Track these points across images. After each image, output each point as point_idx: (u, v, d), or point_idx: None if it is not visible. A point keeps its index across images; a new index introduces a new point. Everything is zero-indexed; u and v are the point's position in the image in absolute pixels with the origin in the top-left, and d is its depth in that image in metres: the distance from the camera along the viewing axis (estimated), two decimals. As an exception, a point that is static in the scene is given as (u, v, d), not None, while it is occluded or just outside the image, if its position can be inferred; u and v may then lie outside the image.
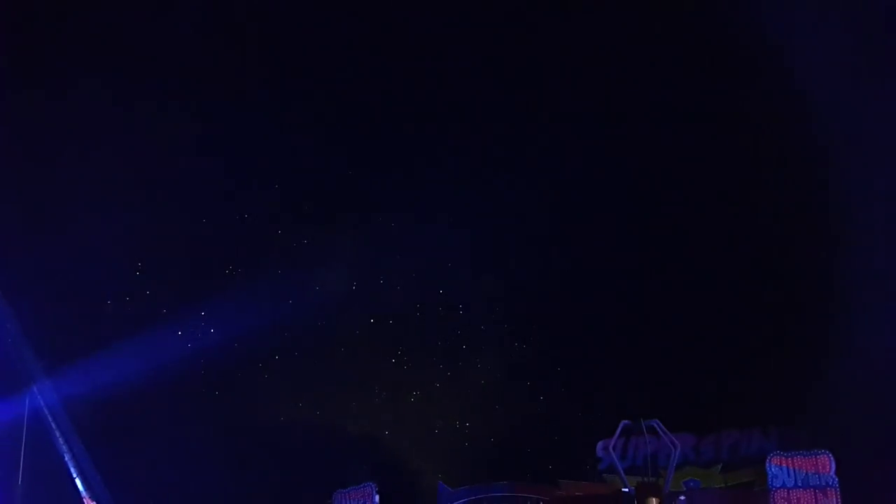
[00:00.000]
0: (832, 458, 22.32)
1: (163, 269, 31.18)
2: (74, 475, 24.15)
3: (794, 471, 22.46)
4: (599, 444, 26.86)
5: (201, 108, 30.69)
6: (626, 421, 25.80)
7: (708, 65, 29.29)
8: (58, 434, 24.26)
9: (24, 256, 28.31)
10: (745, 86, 28.94)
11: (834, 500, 22.00)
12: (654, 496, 24.06)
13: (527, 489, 26.63)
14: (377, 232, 31.92)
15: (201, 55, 30.34)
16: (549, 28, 31.34)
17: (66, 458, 24.16)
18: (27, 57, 29.83)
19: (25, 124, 29.18)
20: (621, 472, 25.66)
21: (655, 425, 25.59)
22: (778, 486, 22.52)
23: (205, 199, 31.22)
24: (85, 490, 23.95)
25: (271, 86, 31.73)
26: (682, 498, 24.59)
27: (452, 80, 31.29)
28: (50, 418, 24.38)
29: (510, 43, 31.30)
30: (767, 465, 22.82)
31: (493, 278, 31.78)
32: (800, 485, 22.33)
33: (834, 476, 22.22)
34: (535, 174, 30.66)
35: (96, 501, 23.93)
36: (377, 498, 26.46)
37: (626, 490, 24.78)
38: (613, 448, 25.98)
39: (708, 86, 29.26)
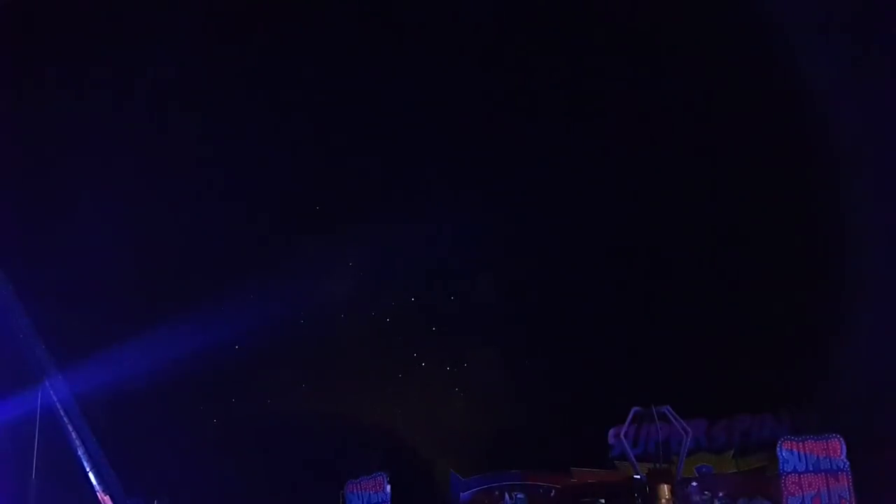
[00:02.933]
0: (843, 442, 22.13)
1: (176, 265, 31.43)
2: (87, 469, 24.33)
3: (805, 455, 22.27)
4: (611, 432, 26.80)
5: (207, 113, 31.10)
6: (637, 407, 25.78)
7: (706, 61, 29.27)
8: (70, 429, 24.41)
9: (36, 253, 28.62)
10: (745, 83, 28.91)
11: (845, 484, 21.81)
12: (665, 482, 23.97)
13: (538, 477, 26.66)
14: (389, 228, 32.02)
15: (203, 60, 30.68)
16: (543, 31, 31.43)
17: (79, 453, 24.31)
18: (30, 61, 30.16)
19: (33, 125, 29.53)
20: (633, 458, 25.64)
21: (667, 411, 25.54)
22: (789, 470, 22.35)
23: (215, 199, 31.57)
24: (98, 484, 24.13)
25: (272, 89, 31.99)
26: (695, 484, 24.53)
27: (452, 86, 31.57)
28: (62, 413, 24.53)
29: (505, 47, 31.48)
30: (778, 449, 22.66)
31: (499, 267, 31.78)
32: (811, 469, 22.15)
33: (845, 460, 22.01)
34: (537, 167, 30.71)
35: (109, 495, 24.09)
36: (388, 488, 26.58)
37: (638, 477, 24.72)
38: (625, 435, 25.97)
39: (707, 83, 29.34)
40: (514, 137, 31.34)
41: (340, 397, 31.59)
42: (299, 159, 31.95)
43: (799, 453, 22.36)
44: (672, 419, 25.54)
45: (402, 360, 31.91)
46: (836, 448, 22.12)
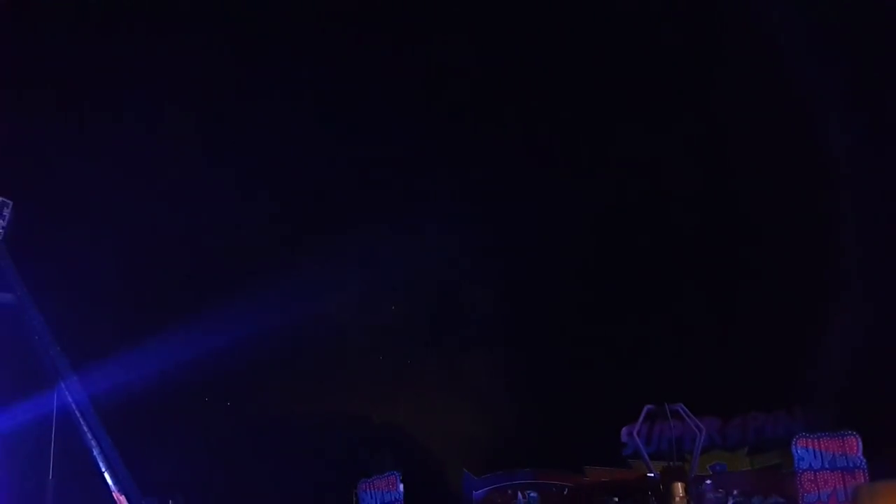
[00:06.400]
0: (860, 440, 22.00)
1: (191, 270, 31.65)
2: (103, 470, 24.41)
3: (821, 453, 22.15)
4: (624, 430, 26.70)
5: (213, 122, 31.74)
6: (650, 406, 25.69)
7: (698, 61, 29.49)
8: (86, 430, 24.47)
9: (50, 255, 28.77)
10: (741, 88, 29.15)
11: (862, 481, 21.63)
12: (679, 481, 23.82)
13: (551, 476, 26.64)
14: (398, 236, 32.32)
15: (207, 70, 31.05)
16: (537, 51, 31.71)
17: (95, 454, 24.38)
18: (38, 71, 30.52)
19: (43, 132, 29.91)
20: (646, 457, 25.58)
21: (680, 409, 25.48)
22: (804, 468, 22.24)
23: (227, 208, 31.89)
24: (114, 484, 24.20)
25: (275, 98, 32.40)
26: (709, 482, 24.45)
27: (448, 100, 31.84)
28: (78, 414, 24.61)
29: (500, 63, 31.71)
30: (793, 447, 22.54)
31: (510, 267, 31.83)
32: (827, 467, 22.03)
33: (862, 457, 21.89)
34: (537, 171, 30.98)
35: (125, 495, 24.15)
36: (401, 486, 26.62)
37: (652, 475, 24.65)
38: (638, 433, 25.91)
39: (702, 85, 29.53)
40: (511, 146, 31.67)
41: (354, 398, 31.69)
42: (304, 170, 32.27)
43: (814, 451, 22.23)
44: (685, 417, 25.48)
45: (415, 361, 31.98)
46: (853, 445, 21.99)
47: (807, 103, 27.38)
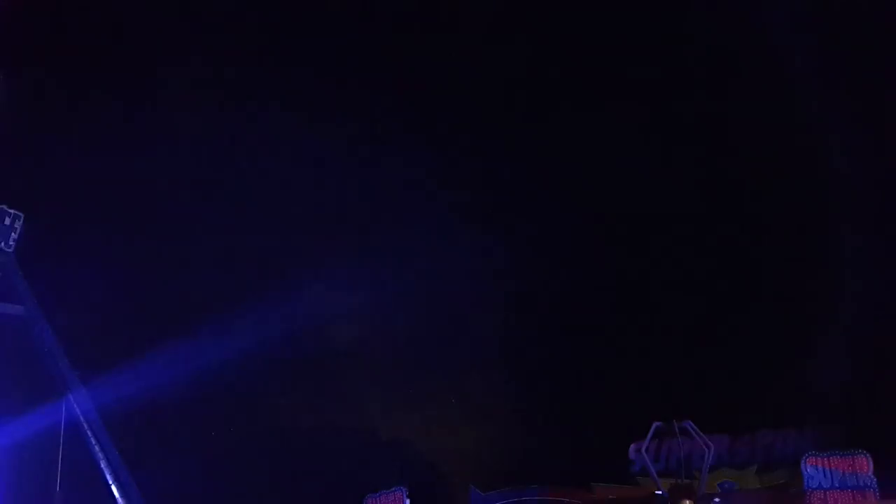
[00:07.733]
0: (870, 459, 21.83)
1: (197, 282, 31.81)
2: (110, 481, 24.56)
3: (831, 471, 22.04)
4: (632, 447, 26.60)
5: (224, 127, 31.88)
6: (658, 423, 25.55)
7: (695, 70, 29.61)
8: (94, 442, 24.68)
9: (60, 269, 29.03)
10: (734, 90, 29.15)
11: (873, 501, 21.49)
12: (687, 498, 23.77)
13: (559, 493, 26.48)
14: (403, 247, 32.40)
15: (216, 87, 31.47)
16: (537, 62, 31.89)
17: (102, 465, 24.56)
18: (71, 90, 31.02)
19: (61, 147, 30.29)
20: (654, 474, 25.41)
21: (688, 426, 25.30)
22: (814, 487, 22.15)
23: (232, 221, 32.08)
24: (120, 496, 24.33)
25: (281, 116, 32.65)
26: (717, 500, 24.36)
27: (460, 109, 32.09)
28: (86, 426, 24.81)
29: (500, 76, 32.00)
30: (802, 465, 22.45)
31: (520, 283, 31.82)
32: (837, 486, 21.91)
33: (872, 477, 21.74)
34: (550, 182, 31.02)
35: (131, 507, 24.32)
36: (408, 502, 26.52)
37: (660, 493, 24.52)
38: (646, 450, 25.75)
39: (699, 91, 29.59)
40: (513, 163, 31.81)
41: (361, 413, 31.67)
42: (312, 186, 32.48)
43: (824, 469, 22.13)
44: (694, 434, 25.31)
45: (423, 377, 31.92)
46: (863, 464, 21.85)
47: (808, 115, 27.37)
